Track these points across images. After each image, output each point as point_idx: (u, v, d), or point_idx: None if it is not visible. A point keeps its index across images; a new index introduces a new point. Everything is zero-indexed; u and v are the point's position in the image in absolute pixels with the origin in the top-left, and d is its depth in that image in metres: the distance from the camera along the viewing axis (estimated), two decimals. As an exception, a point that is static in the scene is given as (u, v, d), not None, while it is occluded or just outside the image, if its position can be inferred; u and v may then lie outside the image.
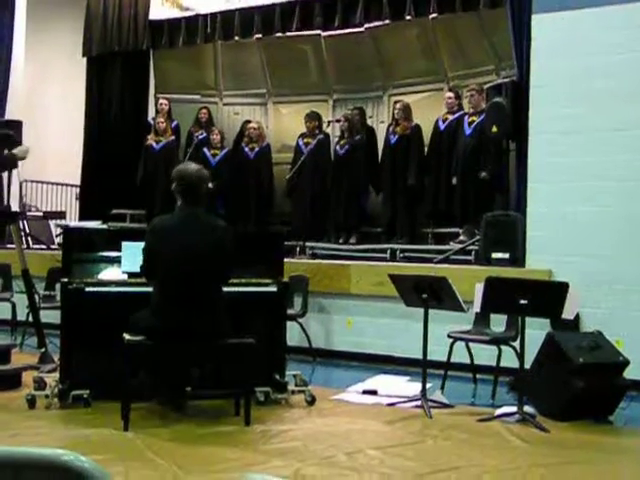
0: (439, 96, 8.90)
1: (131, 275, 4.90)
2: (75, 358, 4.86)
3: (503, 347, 5.51)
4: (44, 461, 1.24)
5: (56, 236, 9.77)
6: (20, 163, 7.06)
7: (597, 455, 4.14)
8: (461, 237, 7.79)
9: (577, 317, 5.65)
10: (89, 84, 10.81)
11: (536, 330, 5.24)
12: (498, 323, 5.75)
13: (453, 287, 4.88)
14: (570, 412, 4.81)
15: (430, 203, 8.35)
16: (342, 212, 8.71)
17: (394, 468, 3.73)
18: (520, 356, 4.84)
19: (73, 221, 10.65)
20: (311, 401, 5.07)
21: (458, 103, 8.31)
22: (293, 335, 6.46)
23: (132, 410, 4.30)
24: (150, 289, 4.51)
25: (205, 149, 9.62)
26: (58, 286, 5.97)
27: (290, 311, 6.48)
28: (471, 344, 5.78)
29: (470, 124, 7.91)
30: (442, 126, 8.31)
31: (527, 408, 4.78)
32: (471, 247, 7.29)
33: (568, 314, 4.77)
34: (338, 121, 8.97)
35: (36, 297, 6.58)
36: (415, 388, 5.36)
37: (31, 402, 4.74)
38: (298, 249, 8.16)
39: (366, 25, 9.16)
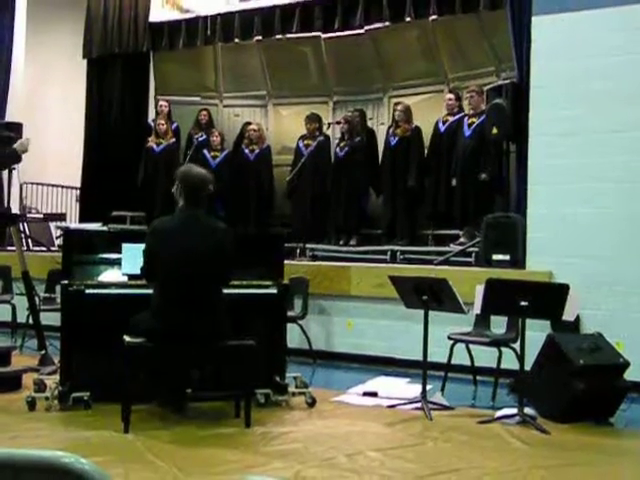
0: (439, 98, 8.89)
1: (131, 277, 4.89)
2: (75, 360, 4.85)
3: (503, 349, 5.51)
4: (44, 463, 1.23)
5: (56, 238, 9.77)
6: (20, 165, 7.06)
7: (598, 457, 4.14)
8: (461, 239, 7.78)
9: (577, 319, 5.65)
10: (89, 86, 10.82)
11: (536, 332, 5.23)
12: (498, 325, 5.75)
13: (453, 289, 4.88)
14: (571, 414, 4.80)
15: (430, 205, 8.34)
16: (342, 214, 8.71)
17: (394, 470, 3.72)
18: (520, 358, 4.83)
19: (73, 223, 10.64)
20: (311, 403, 5.07)
21: (458, 105, 8.30)
22: (293, 337, 6.46)
23: (132, 412, 4.30)
24: (150, 291, 4.50)
25: (205, 151, 9.62)
26: (58, 288, 5.96)
27: (290, 313, 6.48)
28: (471, 346, 5.78)
29: (470, 125, 7.89)
30: (442, 128, 8.30)
31: (527, 410, 4.77)
32: (471, 249, 7.29)
33: (568, 316, 4.77)
34: (338, 123, 8.97)
35: (36, 299, 6.59)
36: (415, 390, 5.36)
37: (31, 404, 4.74)
38: (298, 251, 8.15)
39: (366, 27, 9.14)
